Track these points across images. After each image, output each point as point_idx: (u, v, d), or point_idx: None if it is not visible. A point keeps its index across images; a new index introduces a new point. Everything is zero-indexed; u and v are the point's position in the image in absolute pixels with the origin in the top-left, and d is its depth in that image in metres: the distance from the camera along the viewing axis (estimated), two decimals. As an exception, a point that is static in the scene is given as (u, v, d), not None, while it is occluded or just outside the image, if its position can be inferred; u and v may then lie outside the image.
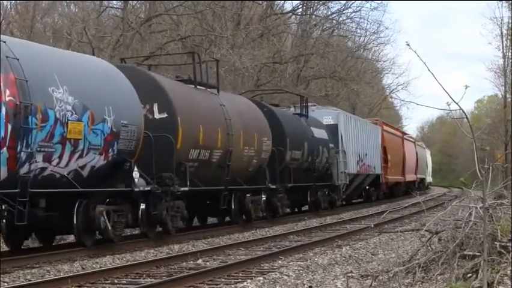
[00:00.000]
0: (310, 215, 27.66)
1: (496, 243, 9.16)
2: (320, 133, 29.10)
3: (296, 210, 30.27)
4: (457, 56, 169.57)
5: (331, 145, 29.98)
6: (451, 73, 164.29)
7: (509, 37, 55.82)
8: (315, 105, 32.11)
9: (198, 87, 19.96)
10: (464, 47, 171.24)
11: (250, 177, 22.21)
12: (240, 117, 21.21)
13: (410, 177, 49.99)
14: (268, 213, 23.58)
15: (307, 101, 29.75)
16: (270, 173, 23.16)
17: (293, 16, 47.03)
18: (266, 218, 23.32)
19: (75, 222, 14.31)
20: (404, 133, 54.56)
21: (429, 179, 70.03)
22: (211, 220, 23.80)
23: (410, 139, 54.73)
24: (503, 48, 58.67)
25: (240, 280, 11.20)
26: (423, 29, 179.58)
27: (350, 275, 10.89)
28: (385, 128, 42.78)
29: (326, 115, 31.48)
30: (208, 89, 20.61)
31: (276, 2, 44.62)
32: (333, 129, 30.85)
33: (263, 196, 22.67)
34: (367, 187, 39.00)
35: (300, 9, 46.45)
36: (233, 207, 21.00)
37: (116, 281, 11.43)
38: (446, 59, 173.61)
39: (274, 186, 23.33)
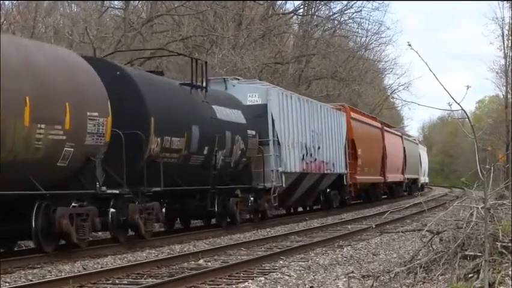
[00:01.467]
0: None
1: (497, 243, 9.15)
2: (231, 115, 21.01)
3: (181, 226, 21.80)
4: (460, 56, 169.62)
5: (251, 132, 21.95)
6: (454, 73, 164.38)
7: (510, 37, 55.84)
8: (238, 79, 24.33)
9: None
10: (468, 47, 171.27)
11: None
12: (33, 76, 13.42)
13: (393, 177, 43.27)
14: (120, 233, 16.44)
15: (206, 66, 20.54)
16: (117, 168, 15.71)
17: (295, 16, 47.05)
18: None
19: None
20: (385, 124, 45.65)
21: (423, 179, 62.79)
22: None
23: (394, 132, 47.39)
24: (504, 48, 58.75)
25: (241, 280, 11.20)
26: (426, 29, 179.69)
27: (351, 275, 10.90)
28: (354, 115, 34.76)
29: (250, 91, 23.23)
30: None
31: (278, 3, 44.70)
32: (259, 111, 22.91)
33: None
34: (328, 190, 30.81)
35: (302, 10, 46.48)
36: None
37: (117, 281, 11.44)
38: (448, 59, 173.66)
39: (113, 191, 15.52)
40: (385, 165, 40.31)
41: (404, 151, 48.17)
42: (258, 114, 22.86)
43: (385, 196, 45.20)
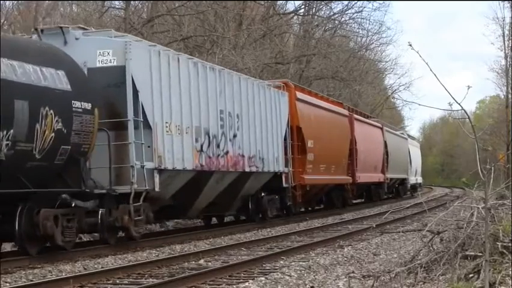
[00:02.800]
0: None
1: (497, 243, 9.16)
2: (37, 75, 13.50)
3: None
4: (462, 56, 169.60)
5: (83, 106, 14.35)
6: (455, 74, 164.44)
7: (510, 37, 55.83)
8: (85, 29, 17.28)
9: None
10: (469, 47, 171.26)
11: None
12: None
13: (368, 177, 36.05)
14: None
15: None
16: None
17: (295, 16, 47.07)
18: None
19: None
20: (358, 112, 38.52)
21: (413, 179, 54.61)
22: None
23: (370, 123, 39.41)
24: (505, 48, 58.74)
25: (241, 280, 11.20)
26: (427, 29, 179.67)
27: (351, 275, 10.90)
28: (301, 96, 26.96)
29: (101, 47, 15.94)
30: None
31: (278, 3, 44.70)
32: (114, 77, 15.84)
33: None
34: (262, 195, 23.06)
35: (302, 10, 46.52)
36: None
37: (118, 281, 11.44)
38: (451, 59, 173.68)
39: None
40: (355, 162, 33.25)
41: (386, 146, 40.93)
42: (113, 82, 15.84)
43: (361, 200, 40.26)
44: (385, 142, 40.98)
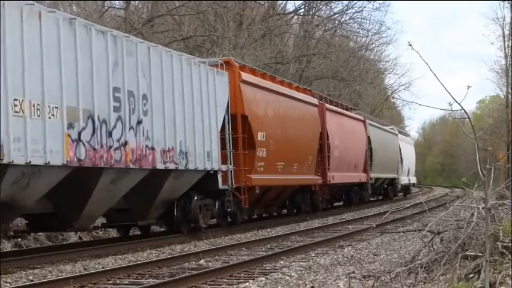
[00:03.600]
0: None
1: (498, 243, 9.15)
2: None
3: None
4: (463, 56, 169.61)
5: None
6: (457, 73, 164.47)
7: (510, 37, 55.85)
8: None
9: None
10: (471, 47, 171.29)
11: None
12: None
13: (346, 177, 31.34)
14: None
15: None
16: None
17: (295, 16, 47.08)
18: None
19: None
20: (331, 101, 33.00)
21: (405, 179, 49.63)
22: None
23: (349, 114, 34.36)
24: (505, 48, 58.77)
25: (242, 280, 11.20)
26: (429, 29, 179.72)
27: (352, 275, 10.90)
28: (248, 78, 21.83)
29: None
30: None
31: (278, 3, 44.69)
32: None
33: None
34: (195, 198, 18.67)
35: (303, 10, 46.53)
36: None
37: (118, 282, 11.44)
38: (452, 59, 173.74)
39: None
40: (327, 159, 28.65)
41: (370, 142, 36.47)
42: None
43: (340, 204, 35.72)
44: (368, 137, 36.48)
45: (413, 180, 56.09)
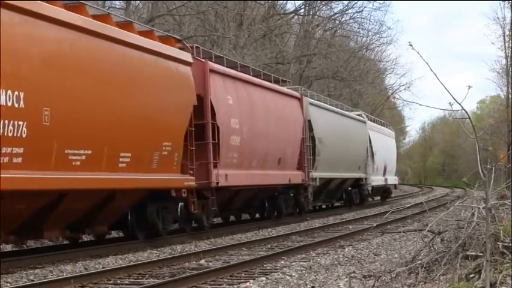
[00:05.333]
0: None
1: (498, 243, 9.15)
2: None
3: None
4: (465, 56, 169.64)
5: None
6: (458, 73, 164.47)
7: (511, 37, 55.90)
8: None
9: None
10: (472, 47, 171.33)
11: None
12: None
13: (256, 177, 21.78)
14: None
15: None
16: None
17: (296, 16, 47.10)
18: None
19: None
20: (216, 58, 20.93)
21: (380, 179, 39.08)
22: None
23: (267, 86, 23.67)
24: (505, 48, 58.81)
25: (242, 280, 11.20)
26: (432, 29, 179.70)
27: (352, 275, 10.90)
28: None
29: None
30: None
31: (279, 3, 44.72)
32: None
33: None
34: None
35: (303, 10, 46.55)
36: None
37: (118, 281, 11.44)
38: (454, 59, 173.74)
39: None
40: (211, 150, 19.07)
41: (311, 129, 26.99)
42: None
43: (260, 215, 25.67)
44: (309, 122, 26.82)
45: (393, 180, 44.38)
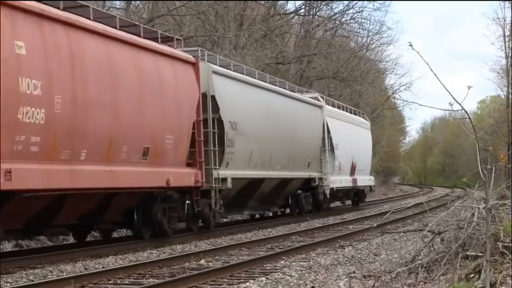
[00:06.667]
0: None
1: (498, 243, 9.15)
2: None
3: None
4: (467, 56, 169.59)
5: None
6: (460, 73, 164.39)
7: (511, 38, 55.91)
8: None
9: None
10: (474, 47, 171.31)
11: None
12: None
13: (71, 175, 13.36)
14: None
15: None
16: None
17: (296, 16, 47.08)
18: None
19: None
20: None
21: (345, 180, 31.15)
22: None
23: (119, 37, 15.22)
24: (505, 48, 58.79)
25: (242, 280, 11.21)
26: (435, 29, 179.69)
27: (352, 275, 10.91)
28: None
29: None
30: None
31: (279, 3, 44.71)
32: None
33: None
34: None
35: (303, 10, 46.54)
36: None
37: (118, 281, 11.45)
38: (456, 59, 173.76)
39: None
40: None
41: (216, 107, 19.61)
42: None
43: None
44: (213, 98, 19.52)
45: (367, 181, 36.26)
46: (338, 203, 34.46)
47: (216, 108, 19.58)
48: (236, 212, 23.13)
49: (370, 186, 37.39)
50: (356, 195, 35.19)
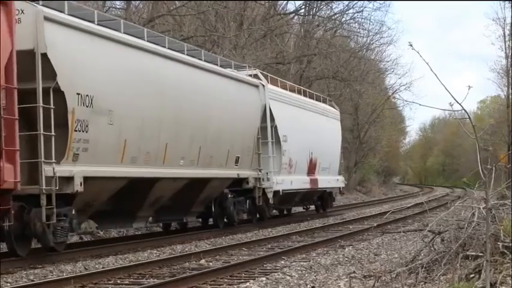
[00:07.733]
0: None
1: (498, 243, 9.15)
2: None
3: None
4: (468, 56, 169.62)
5: None
6: (461, 73, 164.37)
7: (511, 38, 55.91)
8: None
9: None
10: (475, 47, 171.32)
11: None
12: None
13: None
14: None
15: None
16: None
17: (296, 16, 47.08)
18: None
19: None
20: None
21: (296, 181, 24.95)
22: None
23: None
24: (505, 48, 58.80)
25: (242, 280, 11.21)
26: (431, 29, 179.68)
27: (352, 275, 10.90)
28: None
29: None
30: None
31: (279, 3, 44.69)
32: None
33: None
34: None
35: (303, 10, 46.52)
36: None
37: (119, 281, 11.45)
38: (457, 59, 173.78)
39: None
40: None
41: (52, 73, 13.47)
42: None
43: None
44: (34, 55, 13.34)
45: (335, 182, 30.10)
46: (301, 209, 29.76)
47: (52, 72, 13.53)
48: (117, 224, 17.67)
49: (339, 188, 30.99)
50: (320, 199, 29.22)
